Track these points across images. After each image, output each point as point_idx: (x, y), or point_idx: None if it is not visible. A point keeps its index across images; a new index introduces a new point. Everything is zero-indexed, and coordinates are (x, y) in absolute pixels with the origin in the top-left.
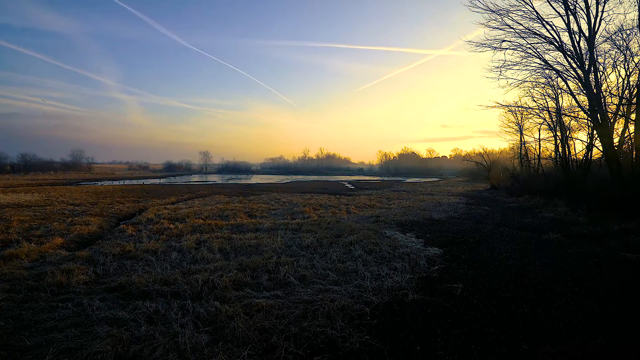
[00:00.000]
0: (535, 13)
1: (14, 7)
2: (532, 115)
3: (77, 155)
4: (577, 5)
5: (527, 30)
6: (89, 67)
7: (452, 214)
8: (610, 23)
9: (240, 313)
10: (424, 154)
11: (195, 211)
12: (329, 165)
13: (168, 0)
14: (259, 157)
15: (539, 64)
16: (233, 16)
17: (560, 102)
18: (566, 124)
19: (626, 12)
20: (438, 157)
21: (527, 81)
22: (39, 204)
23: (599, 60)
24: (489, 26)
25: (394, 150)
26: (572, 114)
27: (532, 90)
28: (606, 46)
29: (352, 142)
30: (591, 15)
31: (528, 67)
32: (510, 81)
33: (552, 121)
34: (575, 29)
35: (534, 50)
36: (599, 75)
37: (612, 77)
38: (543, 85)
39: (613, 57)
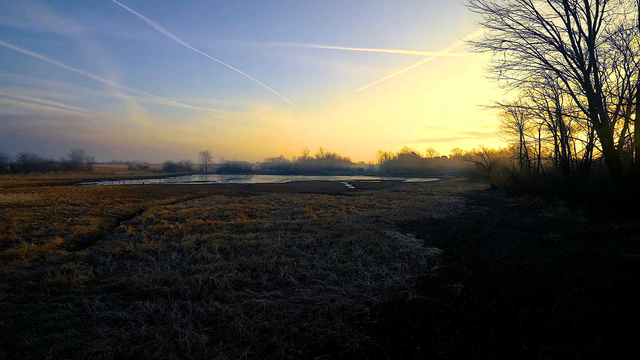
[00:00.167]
0: (535, 13)
1: (15, 9)
2: (532, 115)
3: (77, 155)
4: (577, 5)
5: (527, 30)
6: (90, 67)
7: (452, 214)
8: (610, 23)
9: (240, 313)
10: (424, 154)
11: (195, 211)
12: (329, 165)
13: (168, 1)
14: (259, 157)
15: (539, 64)
16: (233, 18)
17: (560, 102)
18: (566, 124)
19: (626, 12)
20: (438, 157)
21: (527, 81)
22: (39, 204)
23: (599, 60)
24: (489, 26)
25: (394, 150)
26: (572, 114)
27: (532, 90)
28: (606, 46)
29: (352, 142)
30: (591, 15)
31: (528, 67)
32: (510, 81)
33: (552, 121)
34: (575, 29)
35: (534, 50)
36: (599, 75)
37: (612, 77)
38: (543, 85)
39: (613, 57)
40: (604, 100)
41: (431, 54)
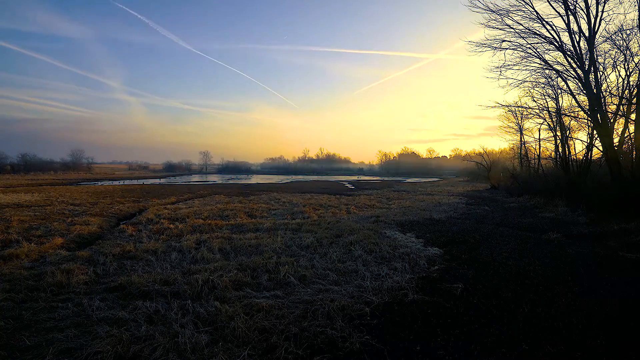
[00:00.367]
0: (535, 13)
1: (19, 11)
2: (532, 115)
3: (77, 155)
4: (577, 5)
5: (527, 30)
6: (93, 69)
7: (452, 214)
8: (610, 23)
9: (240, 313)
10: (424, 154)
11: (195, 211)
12: (329, 165)
13: (172, 5)
14: (259, 157)
15: (539, 64)
16: (235, 20)
17: (560, 102)
18: (566, 124)
19: (626, 12)
20: (438, 157)
21: (527, 81)
22: (39, 204)
23: (599, 60)
24: (489, 26)
25: (394, 150)
26: (572, 114)
27: (532, 91)
28: (606, 46)
29: (352, 142)
30: (591, 15)
31: (528, 67)
32: (510, 81)
33: (552, 121)
34: (575, 29)
35: (534, 50)
36: (599, 75)
37: (612, 77)
38: (543, 85)
39: (613, 57)
40: (604, 100)
41: (429, 56)
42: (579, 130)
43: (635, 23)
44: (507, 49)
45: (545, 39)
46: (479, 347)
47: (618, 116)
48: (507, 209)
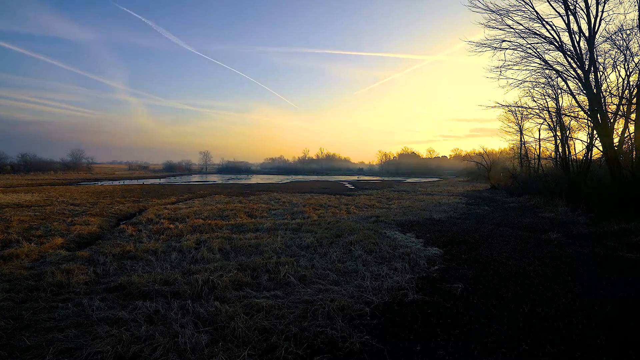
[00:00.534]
0: (535, 13)
1: (18, 11)
2: (532, 115)
3: (77, 155)
4: (577, 5)
5: (527, 30)
6: (97, 70)
7: (452, 214)
8: (610, 23)
9: (240, 313)
10: (424, 154)
11: (195, 211)
12: (329, 165)
13: (174, 7)
14: (259, 157)
15: (539, 64)
16: (234, 21)
17: (560, 102)
18: (566, 124)
19: (626, 12)
20: (438, 157)
21: (527, 81)
22: (39, 204)
23: (599, 60)
24: (489, 26)
25: (394, 150)
26: (572, 114)
27: (532, 90)
28: (606, 46)
29: (352, 143)
30: (591, 15)
31: (528, 67)
32: (510, 81)
33: (552, 121)
34: (575, 29)
35: (534, 50)
36: (599, 75)
37: (612, 77)
38: (543, 85)
39: (613, 57)
40: (604, 100)
41: (428, 58)
42: (579, 130)
43: (635, 23)
44: (507, 49)
45: (545, 39)
46: (479, 347)
47: (618, 116)
48: (507, 209)
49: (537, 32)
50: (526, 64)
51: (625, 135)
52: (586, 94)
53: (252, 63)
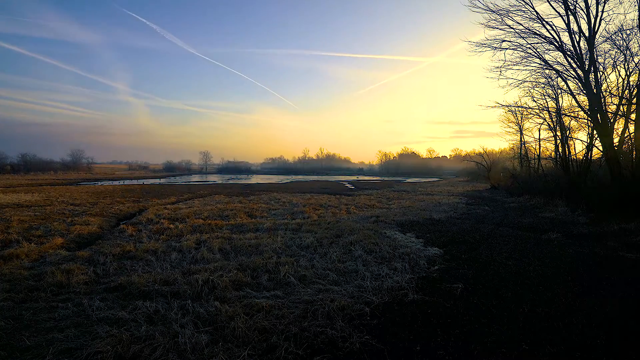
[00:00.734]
0: (535, 13)
1: (19, 11)
2: (532, 115)
3: (77, 155)
4: (577, 5)
5: (527, 30)
6: (101, 72)
7: (452, 214)
8: (610, 23)
9: (240, 313)
10: (424, 154)
11: (195, 211)
12: (329, 165)
13: (176, 9)
14: (259, 157)
15: (539, 64)
16: (235, 23)
17: (560, 102)
18: (566, 124)
19: (626, 12)
20: (438, 157)
21: (527, 81)
22: (39, 204)
23: (599, 60)
24: (489, 26)
25: (394, 150)
26: (572, 114)
27: (532, 90)
28: (606, 46)
29: (352, 143)
30: (591, 15)
31: (528, 67)
32: (510, 81)
33: (552, 121)
34: (575, 29)
35: (534, 50)
36: (599, 75)
37: (612, 77)
38: (543, 85)
39: (613, 57)
40: (604, 100)
41: (425, 60)
42: (579, 130)
43: (635, 23)
44: (507, 49)
45: (545, 39)
46: (479, 347)
47: (618, 116)
48: (507, 209)
49: (537, 32)
50: (526, 64)
51: (625, 135)
52: (586, 94)
53: (252, 64)
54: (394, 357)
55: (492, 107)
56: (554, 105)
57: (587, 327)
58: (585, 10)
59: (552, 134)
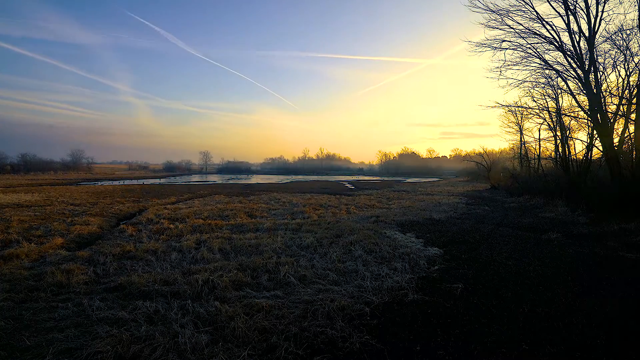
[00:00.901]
0: (535, 13)
1: (20, 11)
2: (532, 115)
3: (77, 156)
4: (577, 5)
5: (527, 30)
6: (104, 73)
7: (452, 214)
8: (610, 23)
9: (240, 313)
10: (424, 154)
11: (195, 211)
12: (329, 165)
13: (178, 11)
14: (259, 157)
15: (539, 64)
16: (236, 25)
17: (560, 102)
18: (566, 124)
19: (626, 12)
20: (438, 157)
21: (527, 81)
22: (39, 204)
23: (599, 60)
24: (489, 26)
25: (394, 150)
26: (572, 114)
27: (532, 90)
28: (606, 46)
29: (352, 143)
30: (591, 15)
31: (528, 67)
32: (510, 81)
33: (552, 121)
34: (575, 29)
35: (534, 50)
36: (599, 75)
37: (612, 77)
38: (543, 85)
39: (613, 57)
40: (604, 100)
41: (423, 61)
42: (579, 130)
43: (635, 23)
44: (507, 49)
45: (545, 39)
46: (479, 347)
47: (618, 116)
48: (507, 209)
49: (537, 32)
50: (526, 64)
51: (625, 135)
52: (586, 94)
53: (252, 65)
54: (394, 357)
55: (492, 107)
56: (554, 105)
57: (587, 327)
58: (585, 10)
59: (552, 134)
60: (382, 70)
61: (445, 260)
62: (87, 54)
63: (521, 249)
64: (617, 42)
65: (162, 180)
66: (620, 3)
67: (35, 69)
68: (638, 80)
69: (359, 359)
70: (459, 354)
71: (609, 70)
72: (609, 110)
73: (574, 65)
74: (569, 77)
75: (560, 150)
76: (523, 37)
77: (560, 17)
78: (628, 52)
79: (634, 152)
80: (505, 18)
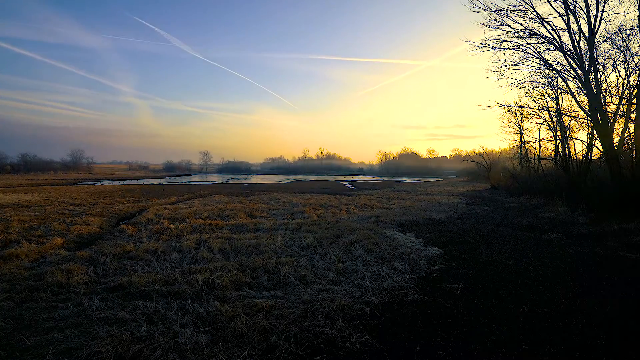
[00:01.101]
0: (535, 13)
1: (21, 11)
2: (532, 115)
3: (77, 156)
4: (577, 5)
5: (527, 30)
6: (106, 74)
7: (452, 214)
8: (610, 23)
9: (240, 313)
10: (424, 154)
11: (195, 211)
12: (329, 165)
13: (177, 12)
14: (259, 157)
15: (539, 64)
16: (236, 26)
17: (560, 102)
18: (566, 124)
19: (626, 12)
20: (438, 157)
21: (527, 81)
22: (39, 204)
23: (599, 60)
24: (489, 26)
25: (394, 150)
26: (572, 114)
27: (532, 90)
28: (606, 46)
29: (352, 143)
30: (591, 15)
31: (528, 67)
32: (510, 81)
33: (552, 121)
34: (575, 29)
35: (534, 50)
36: (599, 75)
37: (612, 77)
38: (543, 85)
39: (613, 57)
40: (604, 100)
41: (422, 63)
42: (579, 130)
43: (635, 23)
44: (507, 49)
45: (545, 39)
46: (479, 347)
47: (618, 116)
48: (507, 209)
49: (537, 32)
50: (526, 64)
51: (625, 135)
52: (586, 94)
53: (251, 65)
54: (394, 357)
55: (492, 107)
56: (554, 105)
57: (587, 327)
58: (585, 10)
59: (552, 134)
60: (381, 72)
61: (445, 260)
62: (87, 55)
63: (521, 249)
64: (617, 42)
65: (162, 180)
66: (620, 3)
67: (35, 69)
68: (638, 80)
69: (359, 359)
70: (459, 354)
71: (609, 70)
72: (609, 110)
73: (574, 65)
74: (569, 77)
75: (560, 150)
76: (523, 37)
77: (560, 17)
78: (628, 52)
79: (634, 152)
80: (505, 18)
